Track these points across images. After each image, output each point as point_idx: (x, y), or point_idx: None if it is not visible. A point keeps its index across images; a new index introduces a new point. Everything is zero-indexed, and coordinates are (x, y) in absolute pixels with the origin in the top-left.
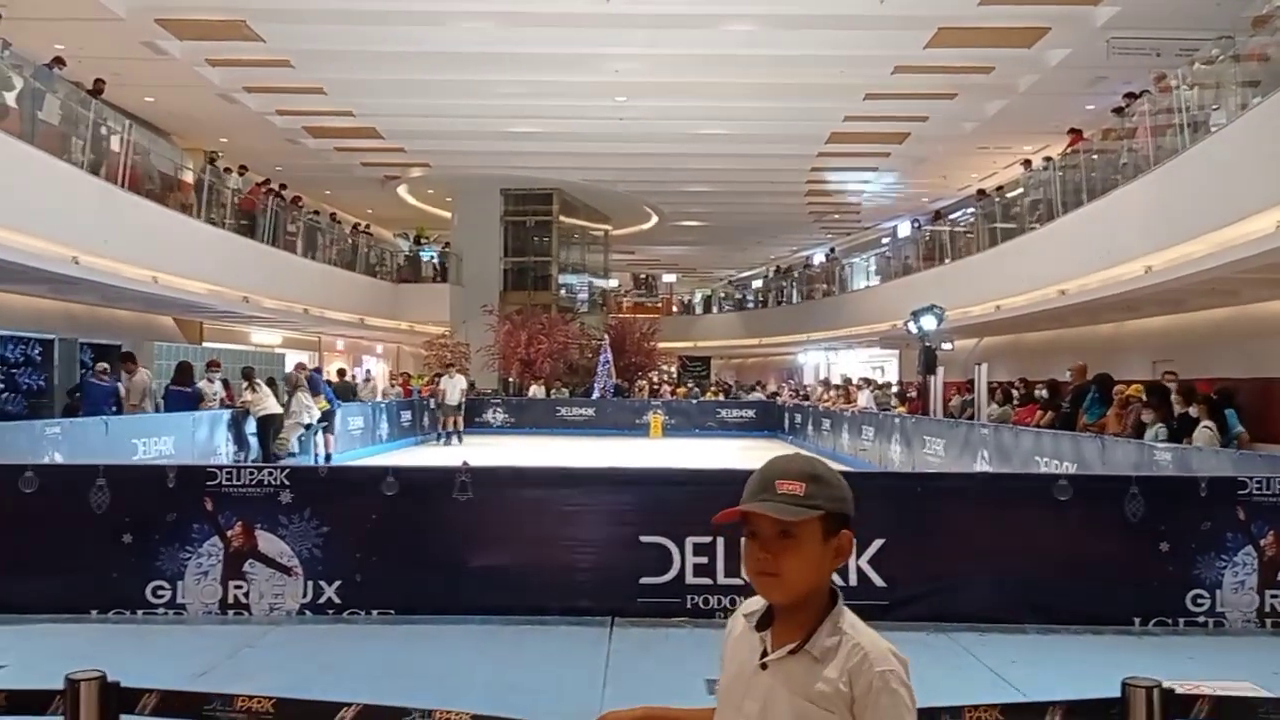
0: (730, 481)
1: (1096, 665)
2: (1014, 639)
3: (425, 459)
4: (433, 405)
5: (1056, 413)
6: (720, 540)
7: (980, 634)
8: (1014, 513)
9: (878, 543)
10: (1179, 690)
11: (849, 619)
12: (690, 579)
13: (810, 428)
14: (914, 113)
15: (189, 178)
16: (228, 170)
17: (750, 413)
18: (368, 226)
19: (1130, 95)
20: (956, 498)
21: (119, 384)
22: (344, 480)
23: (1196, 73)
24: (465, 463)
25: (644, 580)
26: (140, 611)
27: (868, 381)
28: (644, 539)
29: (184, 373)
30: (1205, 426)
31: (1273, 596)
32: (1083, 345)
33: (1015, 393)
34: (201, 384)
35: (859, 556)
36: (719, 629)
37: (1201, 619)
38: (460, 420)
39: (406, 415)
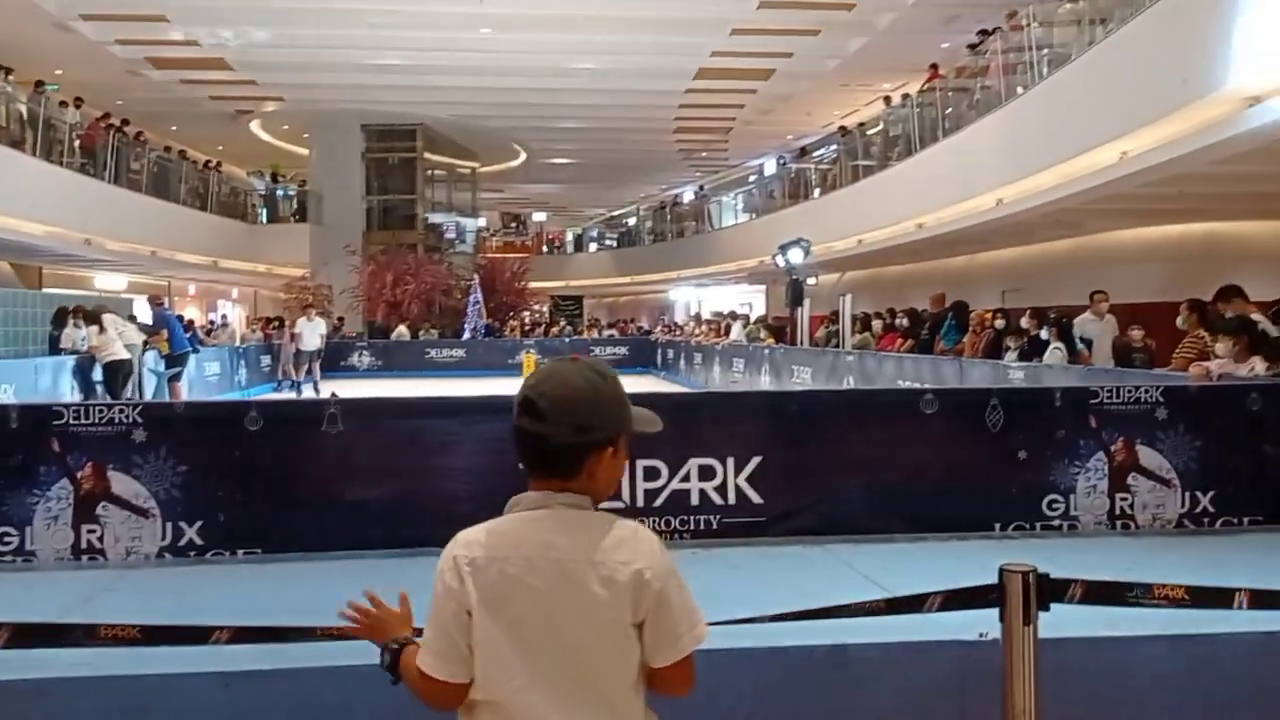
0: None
1: (965, 568)
2: (886, 548)
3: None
4: (292, 350)
5: (916, 340)
6: None
7: (854, 545)
8: (884, 427)
9: (755, 460)
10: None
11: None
12: None
13: (683, 362)
14: (779, 49)
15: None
16: (63, 104)
17: (623, 349)
18: (219, 164)
19: (984, 32)
20: (829, 414)
21: None
22: (203, 417)
23: (1046, 10)
24: (334, 394)
25: None
26: None
27: (736, 316)
28: (523, 466)
29: (61, 318)
30: (1056, 347)
31: (1121, 499)
32: (938, 277)
33: (879, 322)
34: (67, 329)
35: (738, 474)
36: None
37: (1056, 522)
38: (317, 368)
39: (266, 360)
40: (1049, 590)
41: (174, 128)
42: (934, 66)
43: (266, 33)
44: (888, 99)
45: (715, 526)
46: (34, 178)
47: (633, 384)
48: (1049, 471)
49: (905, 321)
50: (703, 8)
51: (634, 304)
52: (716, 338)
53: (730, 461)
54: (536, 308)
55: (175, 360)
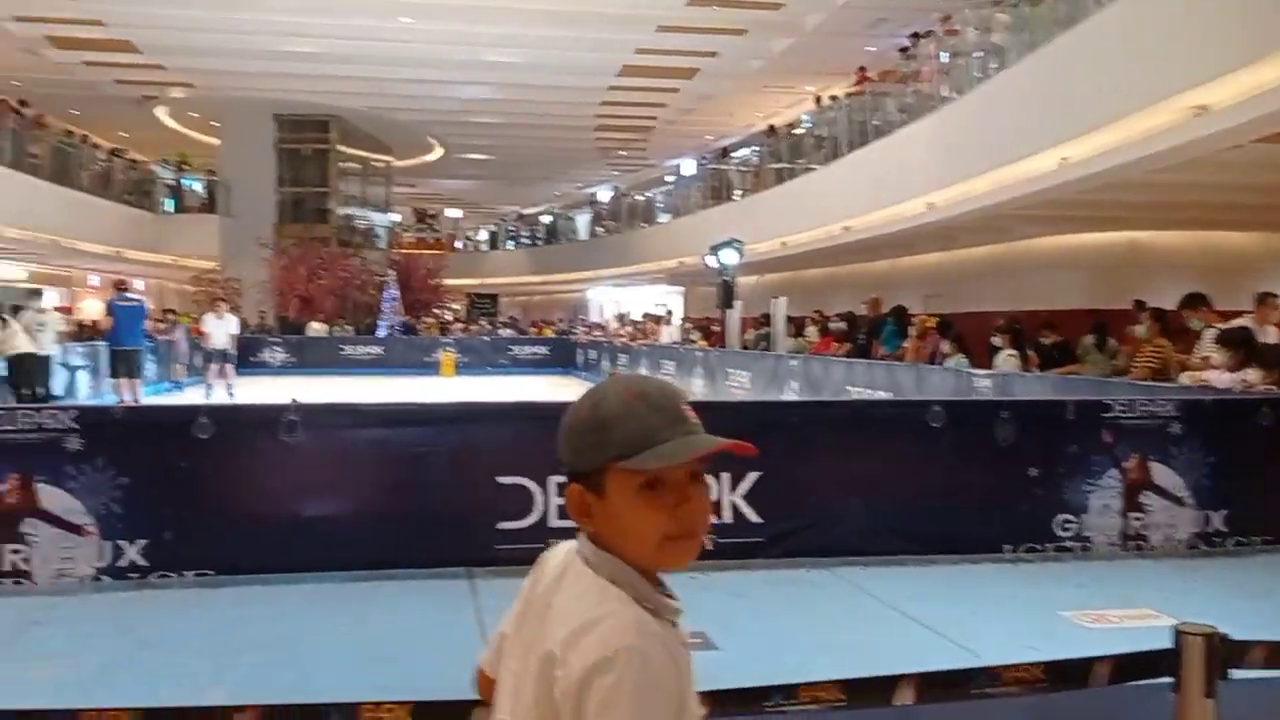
0: None
1: (989, 594)
2: (896, 571)
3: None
4: (185, 349)
5: (853, 344)
6: None
7: (862, 567)
8: (888, 441)
9: (752, 476)
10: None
11: None
12: (554, 521)
13: (606, 363)
14: (704, 48)
15: None
16: None
17: (544, 349)
18: (124, 151)
19: (916, 35)
20: (831, 427)
21: None
22: (146, 422)
23: (983, 15)
24: (294, 400)
25: (503, 526)
26: None
27: (682, 317)
28: (502, 480)
29: None
30: (1010, 354)
31: (1135, 519)
32: (860, 281)
33: (814, 327)
34: None
35: (734, 491)
36: None
37: (1069, 543)
38: (230, 370)
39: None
40: (1231, 655)
41: (76, 112)
42: (861, 70)
43: (176, 14)
44: (818, 99)
45: (711, 547)
46: None
47: (560, 386)
48: (1061, 489)
49: (842, 325)
50: (630, 3)
51: (549, 303)
52: (644, 339)
53: (725, 477)
54: (453, 306)
55: (120, 357)
